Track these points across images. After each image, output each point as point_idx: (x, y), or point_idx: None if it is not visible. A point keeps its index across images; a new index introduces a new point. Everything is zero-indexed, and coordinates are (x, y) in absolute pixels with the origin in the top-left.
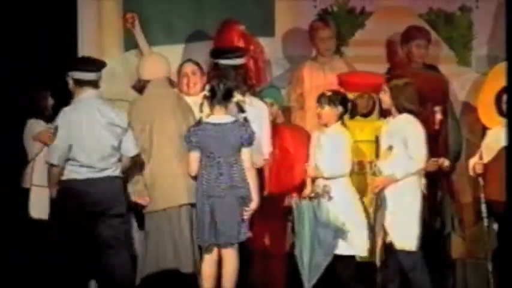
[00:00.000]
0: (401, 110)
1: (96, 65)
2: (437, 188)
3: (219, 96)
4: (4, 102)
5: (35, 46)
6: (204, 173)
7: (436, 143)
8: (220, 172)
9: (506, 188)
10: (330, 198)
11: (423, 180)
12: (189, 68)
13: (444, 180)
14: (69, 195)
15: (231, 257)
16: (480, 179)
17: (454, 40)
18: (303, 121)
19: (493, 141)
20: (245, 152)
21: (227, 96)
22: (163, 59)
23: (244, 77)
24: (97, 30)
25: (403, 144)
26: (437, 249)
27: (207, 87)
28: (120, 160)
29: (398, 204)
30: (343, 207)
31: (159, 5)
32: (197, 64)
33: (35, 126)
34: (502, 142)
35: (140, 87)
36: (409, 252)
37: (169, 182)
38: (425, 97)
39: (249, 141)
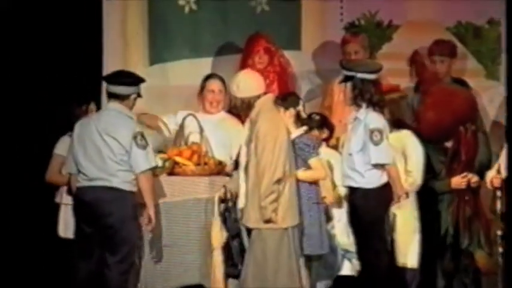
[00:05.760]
0: (397, 124)
1: (123, 78)
2: (464, 203)
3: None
4: (42, 117)
5: (59, 59)
6: None
7: (465, 159)
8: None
9: (506, 190)
10: None
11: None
12: (216, 85)
13: (471, 195)
14: (74, 203)
15: None
16: (498, 192)
17: (483, 53)
18: None
19: None
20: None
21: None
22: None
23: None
24: (122, 45)
25: (403, 159)
26: (464, 265)
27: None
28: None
29: (401, 221)
30: None
31: (185, 18)
32: (223, 81)
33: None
34: None
35: (248, 104)
36: (410, 270)
37: (294, 200)
38: (453, 112)
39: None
